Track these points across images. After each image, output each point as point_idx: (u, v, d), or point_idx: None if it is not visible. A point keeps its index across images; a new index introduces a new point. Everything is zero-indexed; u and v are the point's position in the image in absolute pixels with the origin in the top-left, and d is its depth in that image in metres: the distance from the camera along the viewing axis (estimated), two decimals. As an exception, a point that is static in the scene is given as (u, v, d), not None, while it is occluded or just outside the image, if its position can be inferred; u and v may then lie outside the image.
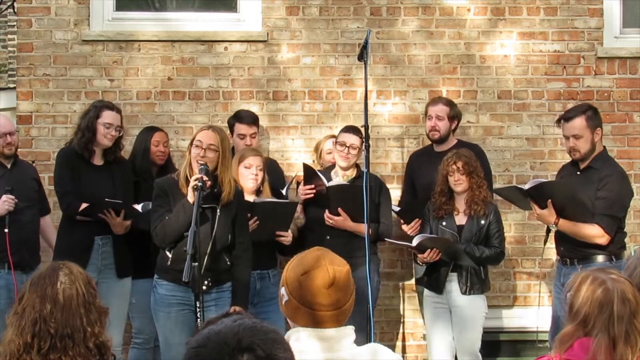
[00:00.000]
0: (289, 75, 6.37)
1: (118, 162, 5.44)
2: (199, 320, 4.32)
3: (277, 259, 5.51)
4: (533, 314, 5.60)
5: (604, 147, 5.33)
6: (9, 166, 5.47)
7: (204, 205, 4.53)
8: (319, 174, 5.51)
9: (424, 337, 6.02)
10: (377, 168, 6.22)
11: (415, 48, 6.40)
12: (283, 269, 2.68)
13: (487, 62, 6.43)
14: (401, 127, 6.40)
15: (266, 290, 5.26)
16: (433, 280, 5.44)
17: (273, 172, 5.88)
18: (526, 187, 5.14)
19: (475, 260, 5.31)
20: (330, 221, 5.43)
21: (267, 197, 5.31)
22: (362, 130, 5.25)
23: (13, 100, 6.75)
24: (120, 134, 5.39)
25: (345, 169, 5.54)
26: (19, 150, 5.70)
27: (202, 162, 4.60)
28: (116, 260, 5.33)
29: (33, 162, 6.12)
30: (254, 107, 6.23)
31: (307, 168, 5.57)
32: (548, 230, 5.36)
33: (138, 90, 6.32)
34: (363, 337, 4.45)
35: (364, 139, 5.22)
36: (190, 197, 4.54)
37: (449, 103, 5.92)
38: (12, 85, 8.76)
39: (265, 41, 6.35)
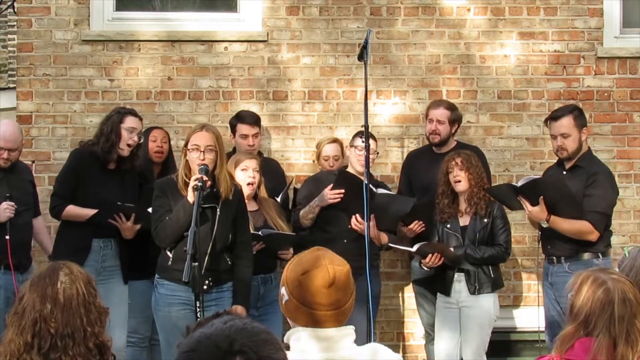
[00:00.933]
0: (289, 75, 6.37)
1: (131, 170, 5.42)
2: (200, 319, 4.31)
3: (277, 262, 5.51)
4: (533, 314, 5.60)
5: (589, 147, 5.46)
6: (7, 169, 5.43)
7: (203, 205, 4.53)
8: (356, 179, 5.38)
9: (424, 337, 6.02)
10: (377, 168, 6.22)
11: (415, 48, 6.40)
12: (283, 269, 2.68)
13: (487, 62, 6.43)
14: (401, 127, 6.40)
15: (269, 293, 5.25)
16: (440, 283, 5.44)
17: (273, 172, 5.87)
18: (519, 184, 5.17)
19: (477, 261, 5.31)
20: (360, 226, 5.34)
21: (264, 196, 5.30)
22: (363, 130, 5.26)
23: (13, 100, 6.75)
24: (140, 141, 5.38)
25: (362, 172, 5.49)
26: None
27: (202, 163, 4.59)
28: (122, 265, 5.33)
29: (33, 162, 6.12)
30: (254, 107, 6.23)
31: (344, 174, 5.50)
32: (541, 227, 5.38)
33: (138, 90, 6.32)
34: (363, 337, 4.45)
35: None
36: (191, 197, 4.54)
37: (450, 107, 5.90)
38: (12, 85, 8.76)
39: (265, 41, 6.35)
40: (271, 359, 1.63)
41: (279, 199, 5.58)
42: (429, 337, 5.80)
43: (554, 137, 5.33)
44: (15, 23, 8.32)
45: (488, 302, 5.36)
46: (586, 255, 5.18)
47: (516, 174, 6.35)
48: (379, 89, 6.38)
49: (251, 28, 6.39)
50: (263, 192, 5.35)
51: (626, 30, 6.52)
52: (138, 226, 5.24)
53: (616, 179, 5.57)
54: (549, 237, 5.26)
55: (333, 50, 6.37)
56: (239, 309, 4.67)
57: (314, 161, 6.16)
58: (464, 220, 5.42)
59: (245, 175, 5.21)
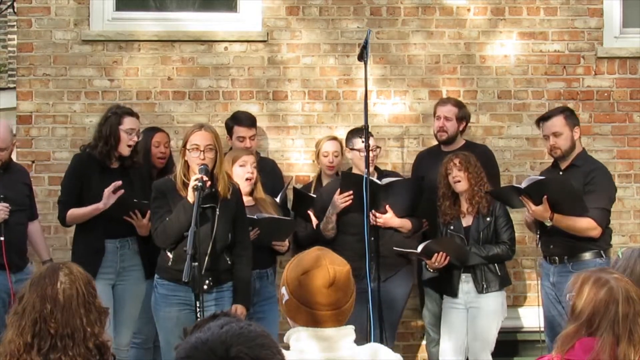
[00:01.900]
0: (289, 75, 6.37)
1: (135, 166, 5.39)
2: (198, 320, 4.31)
3: (275, 258, 5.50)
4: (533, 314, 5.60)
5: (583, 147, 5.46)
6: (0, 171, 5.41)
7: (203, 205, 4.53)
8: (359, 176, 5.33)
9: (424, 337, 6.02)
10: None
11: (415, 48, 6.40)
12: (283, 269, 2.68)
13: (487, 62, 6.43)
14: (401, 127, 6.40)
15: (265, 289, 5.26)
16: (447, 284, 5.42)
17: (272, 172, 5.87)
18: (523, 185, 5.16)
19: (483, 260, 5.30)
20: (380, 220, 5.34)
21: (261, 196, 5.30)
22: (363, 130, 5.25)
23: (13, 100, 6.74)
24: (139, 139, 5.38)
25: (370, 172, 5.46)
26: (18, 150, 5.66)
27: (202, 163, 4.59)
28: (143, 261, 5.31)
29: (33, 162, 6.11)
30: (254, 107, 6.23)
31: (346, 175, 5.50)
32: (541, 228, 5.36)
33: (138, 90, 6.32)
34: (363, 337, 4.45)
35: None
36: (190, 197, 4.53)
37: (458, 104, 5.89)
38: (12, 85, 8.77)
39: (265, 41, 6.35)
40: None
41: (278, 199, 5.57)
42: (430, 337, 5.79)
43: (546, 137, 5.37)
44: (15, 23, 8.32)
45: (496, 300, 5.34)
46: (589, 255, 5.18)
47: (516, 174, 6.35)
48: (379, 89, 6.38)
49: (251, 28, 6.39)
50: (260, 191, 5.33)
51: (626, 30, 6.52)
52: None
53: (616, 179, 5.59)
54: (550, 237, 5.25)
55: (333, 50, 6.37)
56: (239, 308, 4.67)
57: (313, 161, 6.15)
58: (467, 221, 5.41)
59: (244, 170, 5.20)
